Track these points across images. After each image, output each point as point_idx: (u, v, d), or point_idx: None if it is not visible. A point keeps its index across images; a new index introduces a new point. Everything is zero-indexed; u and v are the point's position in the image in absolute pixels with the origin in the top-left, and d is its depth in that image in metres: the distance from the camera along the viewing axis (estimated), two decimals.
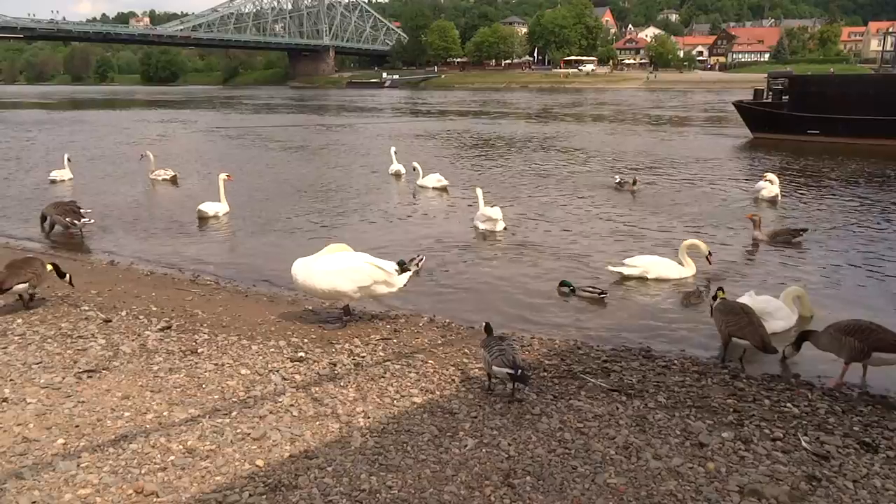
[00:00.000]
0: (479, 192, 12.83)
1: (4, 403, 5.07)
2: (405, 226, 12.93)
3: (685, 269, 9.35)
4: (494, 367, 5.19)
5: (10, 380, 5.51)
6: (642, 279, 9.23)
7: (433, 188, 16.43)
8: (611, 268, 9.43)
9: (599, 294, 8.46)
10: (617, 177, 16.87)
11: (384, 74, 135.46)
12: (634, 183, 16.12)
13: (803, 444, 4.67)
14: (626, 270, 9.31)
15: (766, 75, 35.83)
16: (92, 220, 12.37)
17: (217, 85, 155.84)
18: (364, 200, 15.45)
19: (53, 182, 18.36)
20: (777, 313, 7.13)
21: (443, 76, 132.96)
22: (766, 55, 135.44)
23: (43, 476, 4.14)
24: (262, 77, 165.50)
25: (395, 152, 19.21)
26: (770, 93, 30.61)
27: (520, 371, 5.09)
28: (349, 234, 12.12)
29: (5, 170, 20.92)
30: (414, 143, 28.25)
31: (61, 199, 13.70)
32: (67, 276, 8.01)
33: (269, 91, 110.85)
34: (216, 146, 28.76)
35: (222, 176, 14.07)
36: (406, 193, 16.63)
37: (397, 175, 18.54)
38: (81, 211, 12.25)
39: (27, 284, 7.43)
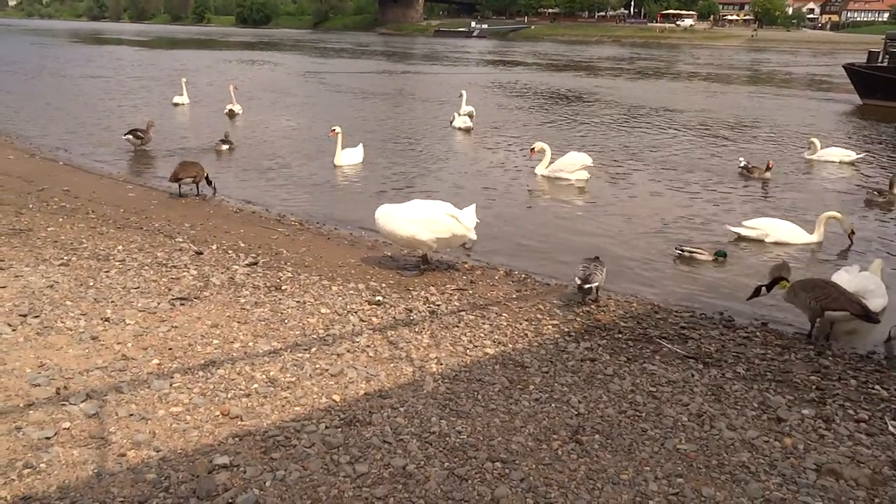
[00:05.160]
0: (542, 146, 12.76)
1: (106, 322, 5.45)
2: (478, 176, 12.83)
3: (811, 236, 8.98)
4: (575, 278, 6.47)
5: (112, 302, 5.91)
6: (759, 242, 8.98)
7: (459, 128, 17.62)
8: (729, 227, 9.23)
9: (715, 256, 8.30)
10: (742, 160, 13.31)
11: (472, 24, 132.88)
12: (768, 168, 12.73)
13: (890, 428, 4.47)
14: (743, 231, 9.08)
15: (882, 36, 33.09)
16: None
17: (307, 29, 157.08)
18: (437, 147, 15.63)
19: (176, 105, 20.48)
20: (878, 290, 6.76)
21: (532, 27, 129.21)
22: (886, 14, 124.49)
23: (139, 392, 4.46)
24: (351, 22, 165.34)
25: (464, 96, 19.42)
26: (887, 56, 28.30)
27: (585, 285, 6.34)
28: (426, 182, 12.21)
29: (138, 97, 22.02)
30: (491, 94, 27.84)
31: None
32: (213, 184, 10.69)
33: (357, 37, 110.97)
34: (302, 90, 29.20)
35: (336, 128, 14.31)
36: (471, 141, 16.71)
37: (469, 116, 18.56)
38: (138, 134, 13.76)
39: (192, 179, 10.39)
